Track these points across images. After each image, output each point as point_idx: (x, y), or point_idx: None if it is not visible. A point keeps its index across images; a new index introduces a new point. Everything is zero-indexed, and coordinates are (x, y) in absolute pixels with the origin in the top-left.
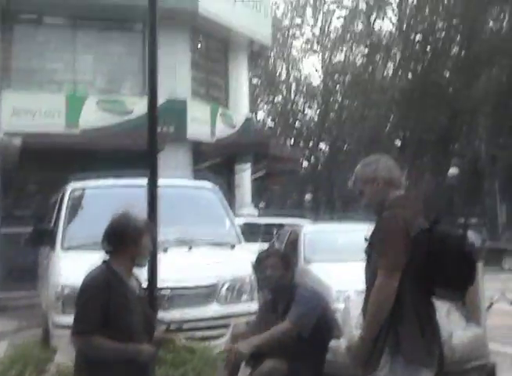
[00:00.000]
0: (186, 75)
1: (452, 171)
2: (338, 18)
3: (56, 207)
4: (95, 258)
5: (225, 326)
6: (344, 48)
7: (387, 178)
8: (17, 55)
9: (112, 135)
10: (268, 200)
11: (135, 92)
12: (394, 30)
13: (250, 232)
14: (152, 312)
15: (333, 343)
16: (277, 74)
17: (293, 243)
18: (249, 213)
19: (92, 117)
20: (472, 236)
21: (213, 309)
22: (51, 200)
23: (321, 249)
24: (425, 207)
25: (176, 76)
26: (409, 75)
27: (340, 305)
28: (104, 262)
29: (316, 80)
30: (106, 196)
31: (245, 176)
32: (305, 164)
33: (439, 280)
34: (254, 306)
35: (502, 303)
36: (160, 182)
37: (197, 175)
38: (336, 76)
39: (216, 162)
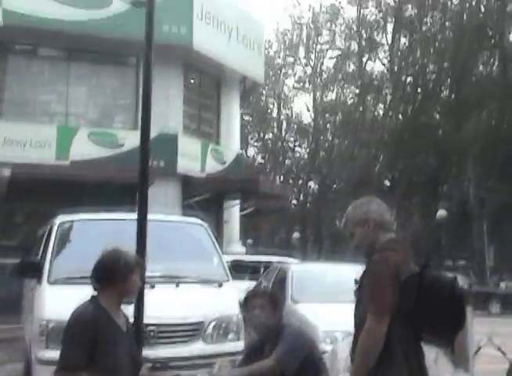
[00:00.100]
0: (178, 110)
1: (441, 213)
2: (330, 58)
3: (44, 240)
4: (82, 292)
5: (211, 365)
6: (336, 88)
7: (379, 220)
8: (10, 85)
9: (102, 167)
10: (256, 237)
11: (126, 126)
12: (385, 71)
13: (238, 269)
14: (137, 349)
15: None
16: (268, 111)
17: (280, 281)
18: (237, 250)
19: (83, 149)
20: (460, 280)
21: (198, 348)
22: (38, 232)
23: (309, 289)
24: (413, 248)
25: (168, 110)
26: (400, 116)
27: (327, 347)
28: (92, 297)
29: (307, 118)
30: (95, 230)
31: (234, 212)
32: (294, 202)
33: (428, 325)
34: (240, 346)
35: (489, 348)
36: (149, 217)
37: (186, 210)
38: (327, 115)
39: (205, 197)
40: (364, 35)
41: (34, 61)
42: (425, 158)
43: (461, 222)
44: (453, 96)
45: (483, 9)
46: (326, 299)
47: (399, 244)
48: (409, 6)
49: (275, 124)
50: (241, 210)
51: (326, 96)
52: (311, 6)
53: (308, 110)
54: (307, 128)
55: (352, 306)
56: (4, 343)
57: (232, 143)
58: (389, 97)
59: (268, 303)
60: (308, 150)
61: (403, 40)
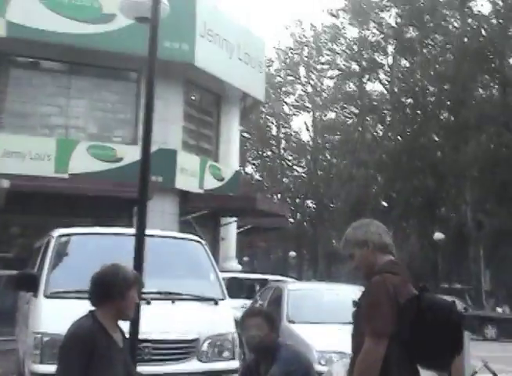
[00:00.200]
0: (178, 126)
1: (438, 235)
2: (330, 78)
3: (41, 253)
4: (78, 307)
5: None
6: (335, 108)
7: (378, 242)
8: (12, 97)
9: (100, 181)
10: (252, 254)
11: (126, 140)
12: (385, 92)
13: (234, 287)
14: (132, 365)
15: None
16: (267, 129)
17: (276, 300)
18: (233, 267)
19: (82, 162)
20: (457, 304)
21: (193, 365)
22: (35, 245)
23: (304, 309)
24: (409, 270)
25: (168, 126)
26: (399, 137)
27: (322, 368)
28: (90, 312)
29: (306, 137)
30: (93, 244)
31: (230, 229)
32: (291, 220)
33: (426, 349)
34: (235, 364)
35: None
36: (147, 232)
37: (183, 225)
38: (325, 134)
39: (202, 214)
40: (365, 56)
41: (36, 74)
42: (423, 180)
43: (458, 244)
44: (453, 119)
45: (484, 33)
46: (322, 319)
47: (398, 267)
48: (410, 28)
49: (273, 142)
50: (238, 227)
51: (326, 115)
52: (313, 26)
53: (308, 129)
54: (305, 147)
55: (348, 327)
56: None
57: (230, 160)
58: (388, 118)
59: (264, 322)
60: (306, 169)
61: (404, 61)
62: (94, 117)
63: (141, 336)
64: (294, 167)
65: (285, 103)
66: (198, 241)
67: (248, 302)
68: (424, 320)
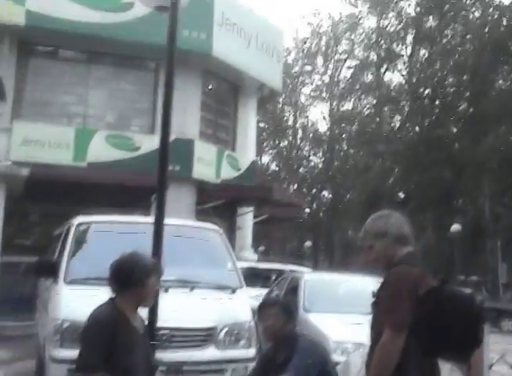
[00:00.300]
0: (195, 116)
1: (455, 227)
2: (348, 68)
3: (61, 240)
4: (98, 293)
5: (222, 371)
6: (353, 98)
7: (398, 233)
8: (31, 86)
9: (118, 170)
10: (268, 244)
11: (143, 130)
12: (403, 82)
13: (251, 276)
14: (151, 352)
15: None
16: (284, 119)
17: (293, 290)
18: (249, 257)
19: (100, 151)
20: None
21: (210, 353)
22: (55, 232)
23: (321, 299)
24: (425, 262)
25: (185, 116)
26: (416, 128)
27: (338, 358)
28: (110, 299)
29: (323, 127)
30: (112, 232)
31: (247, 219)
32: (307, 210)
33: (445, 341)
34: (251, 353)
35: (501, 366)
36: (166, 221)
37: (200, 215)
38: (343, 125)
39: (219, 204)
40: (383, 46)
41: (55, 63)
42: (440, 172)
43: (475, 237)
44: (472, 110)
45: (505, 23)
46: (338, 310)
47: (418, 258)
48: (430, 18)
49: (290, 132)
50: (254, 217)
51: (343, 106)
52: (331, 15)
53: (324, 119)
54: (322, 137)
55: (364, 318)
56: (17, 340)
57: (247, 150)
58: (406, 109)
59: (281, 313)
60: (322, 159)
61: (423, 51)
62: (112, 106)
63: (159, 323)
64: (311, 157)
65: (302, 93)
66: (216, 230)
67: (264, 291)
68: (444, 312)
